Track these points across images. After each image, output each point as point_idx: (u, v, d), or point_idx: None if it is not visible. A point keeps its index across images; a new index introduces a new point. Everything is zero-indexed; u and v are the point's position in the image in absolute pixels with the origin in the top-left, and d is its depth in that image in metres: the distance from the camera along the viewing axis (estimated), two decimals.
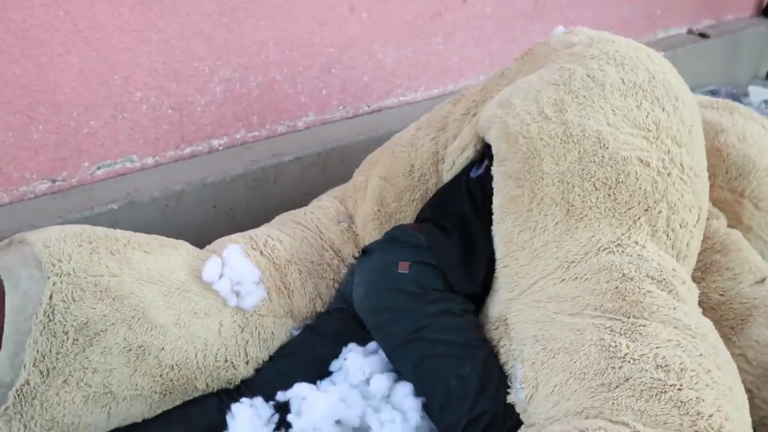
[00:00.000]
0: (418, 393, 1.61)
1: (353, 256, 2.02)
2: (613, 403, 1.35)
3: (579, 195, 1.62)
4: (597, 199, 1.61)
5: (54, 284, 1.49)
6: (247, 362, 1.72)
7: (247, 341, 1.72)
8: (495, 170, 1.75)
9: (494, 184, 1.74)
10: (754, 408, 1.56)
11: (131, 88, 2.20)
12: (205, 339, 1.65)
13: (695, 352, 1.39)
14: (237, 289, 1.71)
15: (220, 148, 2.49)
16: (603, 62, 1.75)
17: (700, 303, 1.66)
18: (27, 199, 2.10)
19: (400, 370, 1.67)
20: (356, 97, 2.84)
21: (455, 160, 1.98)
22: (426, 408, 1.60)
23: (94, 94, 2.13)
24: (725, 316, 1.75)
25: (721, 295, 1.79)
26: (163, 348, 1.57)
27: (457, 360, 1.58)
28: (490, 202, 1.75)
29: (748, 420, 1.36)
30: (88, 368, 1.49)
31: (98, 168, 2.22)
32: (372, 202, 2.09)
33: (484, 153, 1.92)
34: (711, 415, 1.28)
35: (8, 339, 1.51)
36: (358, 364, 1.67)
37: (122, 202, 2.12)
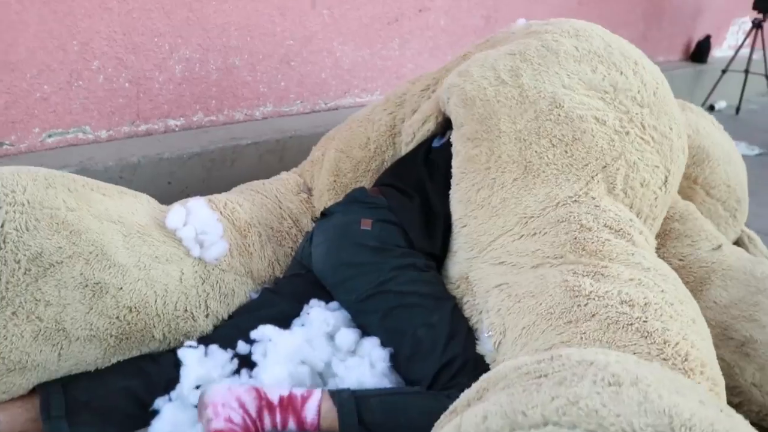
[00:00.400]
0: (385, 345, 1.57)
1: (312, 220, 1.98)
2: (581, 337, 1.34)
3: (536, 152, 1.65)
4: (554, 155, 1.64)
5: (6, 213, 1.39)
6: (207, 315, 1.64)
7: (208, 294, 1.65)
8: (454, 136, 1.78)
9: (453, 150, 1.77)
10: None
11: (89, 56, 2.15)
12: (166, 285, 1.56)
13: (657, 289, 1.41)
14: (201, 239, 1.65)
15: (176, 129, 2.44)
16: (557, 35, 1.82)
17: None
18: None
19: (365, 324, 1.62)
20: (314, 92, 2.84)
21: (416, 132, 2.00)
22: (393, 359, 1.56)
23: (49, 57, 2.07)
24: (685, 280, 1.78)
25: (681, 260, 1.84)
26: (121, 288, 1.48)
27: (425, 310, 1.55)
28: (450, 169, 1.77)
29: (713, 350, 1.37)
30: (40, 300, 1.39)
31: (49, 136, 2.14)
32: (328, 173, 2.07)
33: (446, 126, 1.95)
34: (677, 343, 1.29)
35: None
36: (321, 317, 1.62)
37: (74, 168, 2.04)
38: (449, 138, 1.86)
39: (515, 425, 0.92)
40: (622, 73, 1.76)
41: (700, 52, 5.42)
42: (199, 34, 2.39)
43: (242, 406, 1.35)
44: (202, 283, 1.65)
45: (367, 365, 1.51)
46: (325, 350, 1.54)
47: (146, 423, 1.45)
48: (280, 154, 2.54)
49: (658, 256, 1.79)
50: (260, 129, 2.56)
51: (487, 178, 1.68)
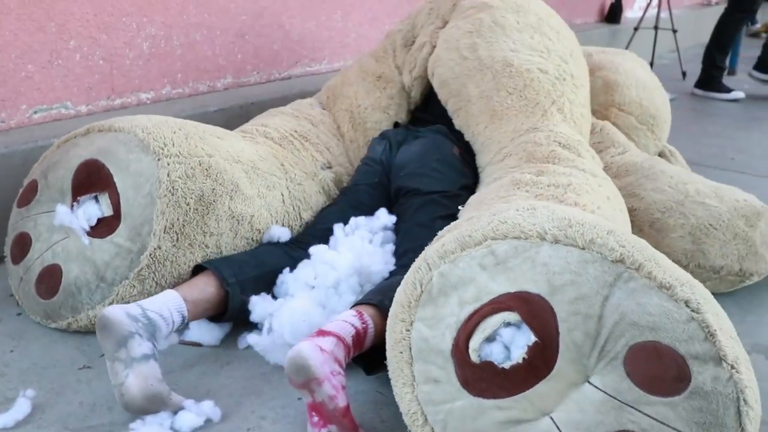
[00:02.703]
0: (414, 232, 1.90)
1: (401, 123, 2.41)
2: (514, 200, 1.66)
3: (497, 101, 2.12)
4: (512, 101, 2.11)
5: (168, 164, 1.76)
6: (300, 225, 2.04)
7: (299, 207, 2.05)
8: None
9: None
10: None
11: (65, 36, 2.34)
12: (276, 208, 1.96)
13: (583, 179, 1.78)
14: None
15: (148, 102, 2.64)
16: (503, 11, 2.31)
17: None
18: None
19: (408, 209, 1.97)
20: (268, 63, 3.08)
21: (416, 59, 2.43)
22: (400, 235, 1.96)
23: (30, 38, 2.26)
24: None
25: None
26: (253, 215, 1.88)
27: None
28: None
29: (622, 217, 1.77)
30: (206, 233, 1.79)
31: (35, 112, 2.33)
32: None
33: None
34: (585, 204, 1.65)
35: (128, 213, 1.74)
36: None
37: None
38: None
39: (464, 245, 1.32)
40: (550, 39, 2.26)
41: (613, 14, 5.86)
42: (162, 12, 2.61)
43: (340, 364, 1.44)
44: (293, 200, 2.02)
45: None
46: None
47: None
48: (245, 119, 2.76)
49: None
50: (223, 98, 2.79)
51: (468, 133, 2.18)
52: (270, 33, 3.05)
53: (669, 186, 2.14)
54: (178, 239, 1.74)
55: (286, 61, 3.16)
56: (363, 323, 1.52)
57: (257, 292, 1.76)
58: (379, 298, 1.60)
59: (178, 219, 1.74)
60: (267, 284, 1.81)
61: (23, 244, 1.84)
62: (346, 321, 1.51)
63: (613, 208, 1.73)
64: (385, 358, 1.45)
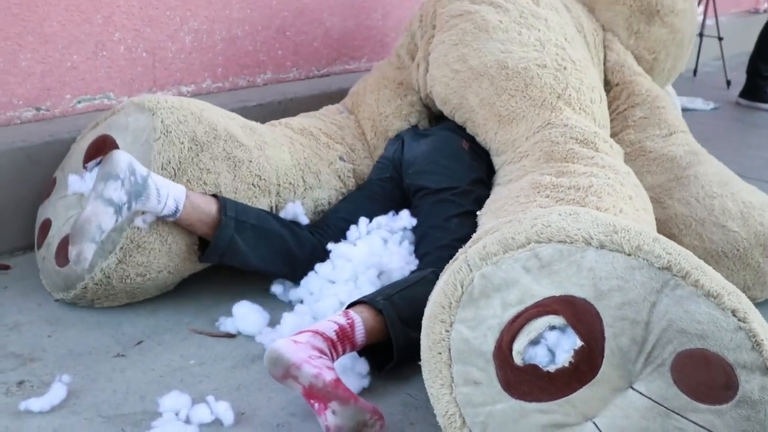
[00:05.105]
0: (430, 234, 1.95)
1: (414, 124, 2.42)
2: (536, 206, 1.66)
3: (501, 106, 2.08)
4: (516, 103, 2.07)
5: (162, 113, 1.87)
6: (305, 189, 2.11)
7: (304, 171, 2.12)
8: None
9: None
10: None
11: (111, 28, 2.38)
12: (277, 162, 2.04)
13: (604, 178, 1.76)
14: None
15: (188, 95, 2.67)
16: (483, 13, 2.25)
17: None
18: (13, 124, 2.22)
19: (422, 210, 2.02)
20: (308, 60, 3.09)
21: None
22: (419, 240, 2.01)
23: (77, 29, 2.29)
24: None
25: (629, 146, 2.28)
26: (250, 161, 1.96)
27: (470, 224, 1.89)
28: None
29: (648, 218, 1.74)
30: (203, 169, 1.87)
31: (79, 102, 2.37)
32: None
33: None
34: (607, 208, 1.63)
35: None
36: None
37: None
38: None
39: (507, 247, 1.31)
40: (539, 30, 2.20)
41: None
42: (205, 7, 2.63)
43: (321, 351, 1.47)
44: (298, 163, 2.12)
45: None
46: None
47: (284, 274, 1.95)
48: (282, 115, 2.77)
49: (616, 141, 2.16)
50: (263, 93, 2.81)
51: (480, 141, 2.16)
52: (310, 30, 3.06)
53: (696, 199, 2.10)
54: (176, 175, 1.82)
55: (325, 58, 3.17)
56: (348, 319, 1.56)
57: (251, 241, 1.85)
58: (371, 296, 1.65)
59: (174, 156, 1.83)
60: (264, 240, 1.88)
61: (45, 228, 1.95)
62: (329, 320, 1.57)
63: (636, 208, 1.72)
64: (390, 354, 1.58)
